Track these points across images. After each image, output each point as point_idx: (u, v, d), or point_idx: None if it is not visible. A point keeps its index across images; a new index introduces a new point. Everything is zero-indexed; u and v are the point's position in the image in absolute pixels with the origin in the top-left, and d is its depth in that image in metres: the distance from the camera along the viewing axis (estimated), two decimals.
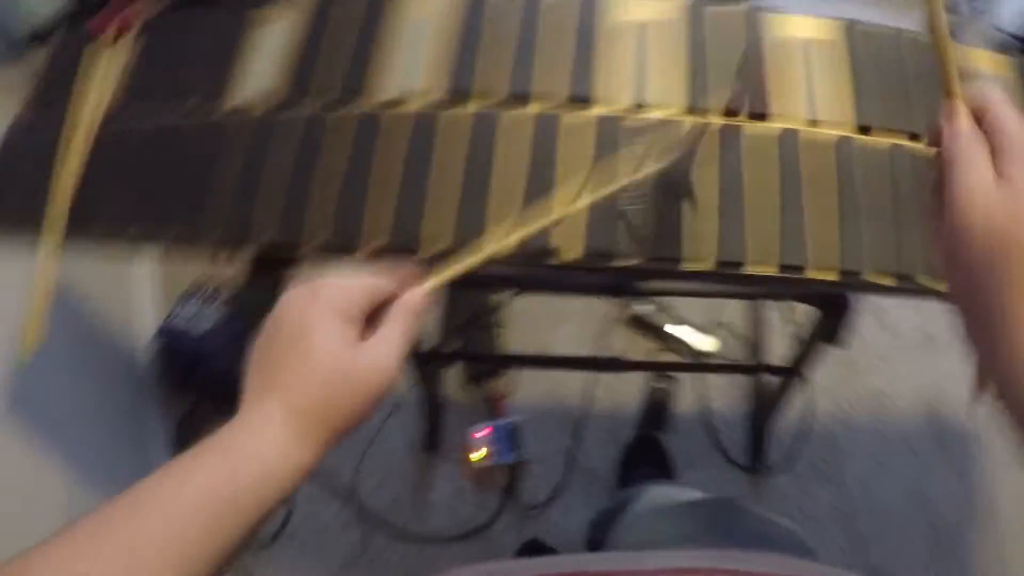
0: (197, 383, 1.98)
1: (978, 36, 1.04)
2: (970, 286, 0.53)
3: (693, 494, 1.06)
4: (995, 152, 0.53)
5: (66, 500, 1.53)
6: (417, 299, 0.60)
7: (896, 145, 0.94)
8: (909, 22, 1.02)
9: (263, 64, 1.03)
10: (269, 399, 0.54)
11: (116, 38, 1.11)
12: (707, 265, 0.88)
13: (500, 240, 0.68)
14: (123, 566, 0.45)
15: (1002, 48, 1.04)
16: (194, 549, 0.47)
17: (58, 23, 1.80)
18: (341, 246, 0.92)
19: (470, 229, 0.89)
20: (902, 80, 0.98)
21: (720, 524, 0.91)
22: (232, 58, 1.05)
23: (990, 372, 0.53)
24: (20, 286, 1.44)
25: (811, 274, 0.88)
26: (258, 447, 0.52)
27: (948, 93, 0.57)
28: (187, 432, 2.01)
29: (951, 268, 0.55)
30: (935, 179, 0.56)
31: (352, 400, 0.55)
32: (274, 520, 1.89)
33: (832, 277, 0.88)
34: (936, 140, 0.57)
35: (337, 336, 0.54)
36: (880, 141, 0.94)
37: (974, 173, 0.52)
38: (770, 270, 0.89)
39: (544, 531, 1.88)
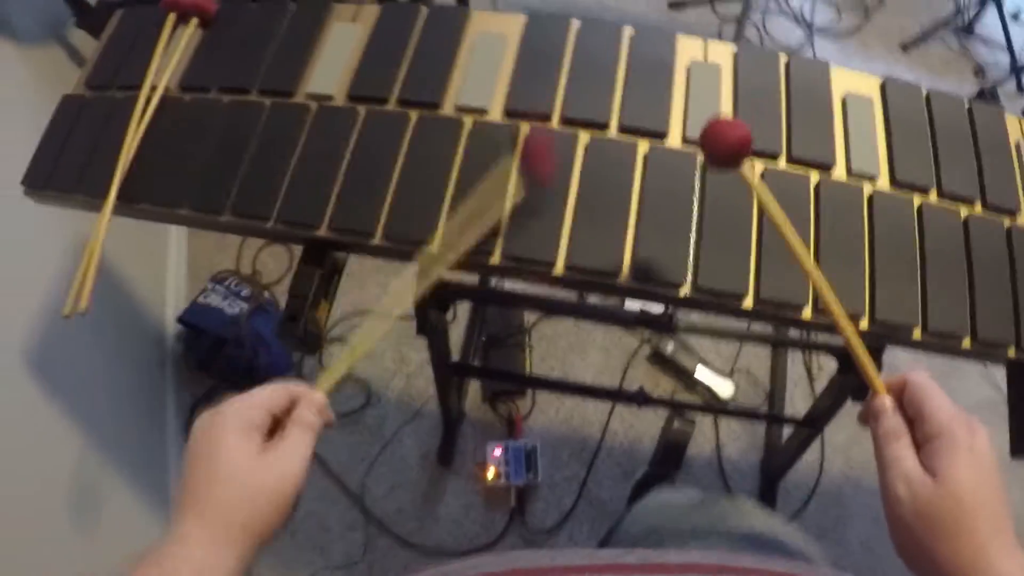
0: (218, 366, 2.01)
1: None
2: (917, 560, 0.60)
3: (699, 493, 1.08)
4: (917, 425, 0.61)
5: (75, 463, 1.55)
6: (309, 410, 0.66)
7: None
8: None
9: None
10: (190, 516, 0.59)
11: (188, 18, 1.13)
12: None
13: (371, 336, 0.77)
14: None
15: None
16: None
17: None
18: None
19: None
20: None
21: (728, 520, 0.93)
22: (305, 54, 1.08)
23: None
24: (62, 248, 1.49)
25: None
26: (188, 556, 0.57)
27: (872, 390, 0.65)
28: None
29: (896, 539, 0.61)
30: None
31: (260, 507, 0.61)
32: None
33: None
34: (865, 421, 0.65)
35: (239, 452, 0.61)
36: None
37: (897, 468, 0.59)
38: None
39: None
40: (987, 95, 1.16)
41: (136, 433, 1.86)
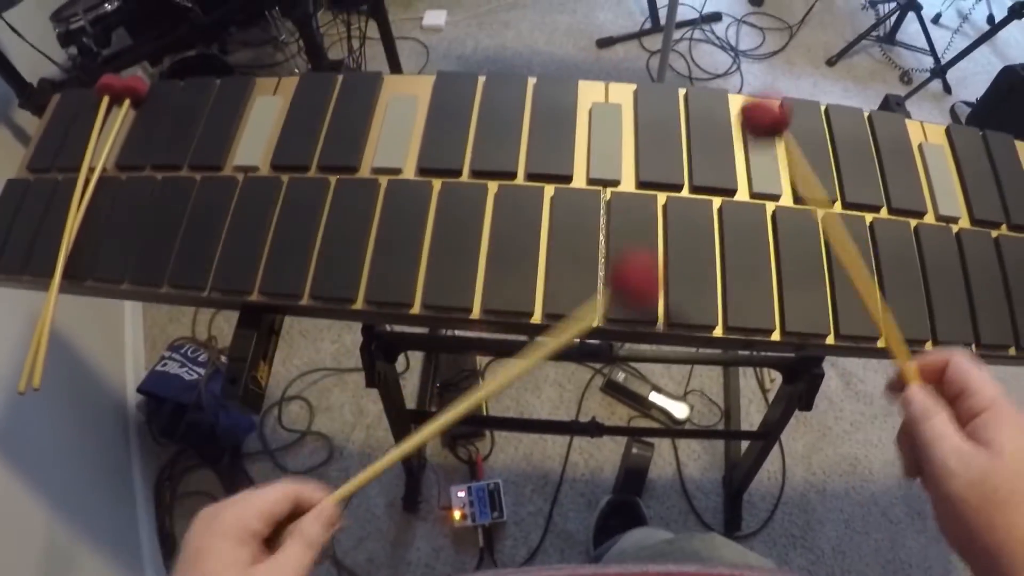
0: (182, 432, 2.02)
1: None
2: (970, 539, 0.55)
3: (671, 534, 1.10)
4: (960, 400, 0.59)
5: (45, 539, 1.55)
6: (315, 522, 0.61)
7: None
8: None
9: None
10: None
11: (121, 99, 1.17)
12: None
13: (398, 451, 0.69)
14: None
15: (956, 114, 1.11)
16: None
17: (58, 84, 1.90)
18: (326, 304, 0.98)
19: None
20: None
21: (701, 557, 0.95)
22: (231, 128, 1.12)
23: None
24: (22, 321, 1.51)
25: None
26: None
27: (902, 367, 0.64)
28: (168, 479, 2.06)
29: (945, 521, 0.57)
30: (902, 436, 0.62)
31: None
32: None
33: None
34: (895, 393, 0.64)
35: (227, 564, 0.55)
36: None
37: (943, 444, 0.57)
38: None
39: None
40: (892, 104, 1.20)
41: (105, 505, 1.86)
